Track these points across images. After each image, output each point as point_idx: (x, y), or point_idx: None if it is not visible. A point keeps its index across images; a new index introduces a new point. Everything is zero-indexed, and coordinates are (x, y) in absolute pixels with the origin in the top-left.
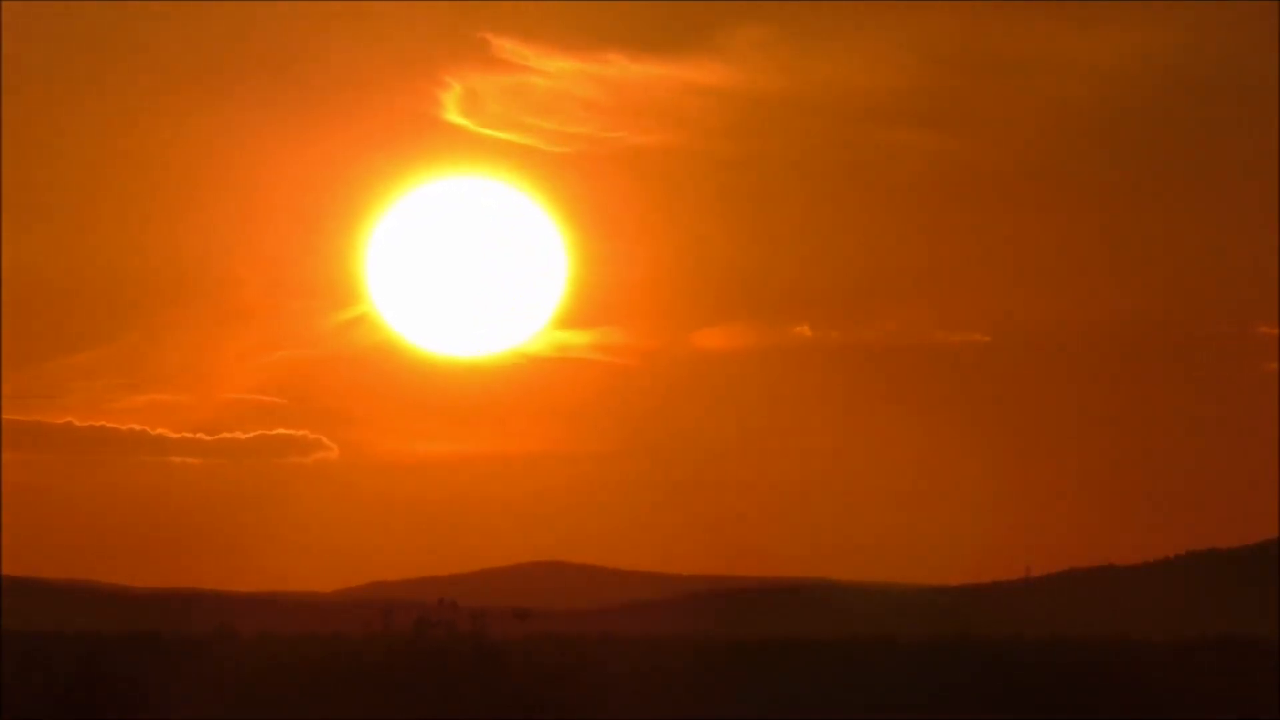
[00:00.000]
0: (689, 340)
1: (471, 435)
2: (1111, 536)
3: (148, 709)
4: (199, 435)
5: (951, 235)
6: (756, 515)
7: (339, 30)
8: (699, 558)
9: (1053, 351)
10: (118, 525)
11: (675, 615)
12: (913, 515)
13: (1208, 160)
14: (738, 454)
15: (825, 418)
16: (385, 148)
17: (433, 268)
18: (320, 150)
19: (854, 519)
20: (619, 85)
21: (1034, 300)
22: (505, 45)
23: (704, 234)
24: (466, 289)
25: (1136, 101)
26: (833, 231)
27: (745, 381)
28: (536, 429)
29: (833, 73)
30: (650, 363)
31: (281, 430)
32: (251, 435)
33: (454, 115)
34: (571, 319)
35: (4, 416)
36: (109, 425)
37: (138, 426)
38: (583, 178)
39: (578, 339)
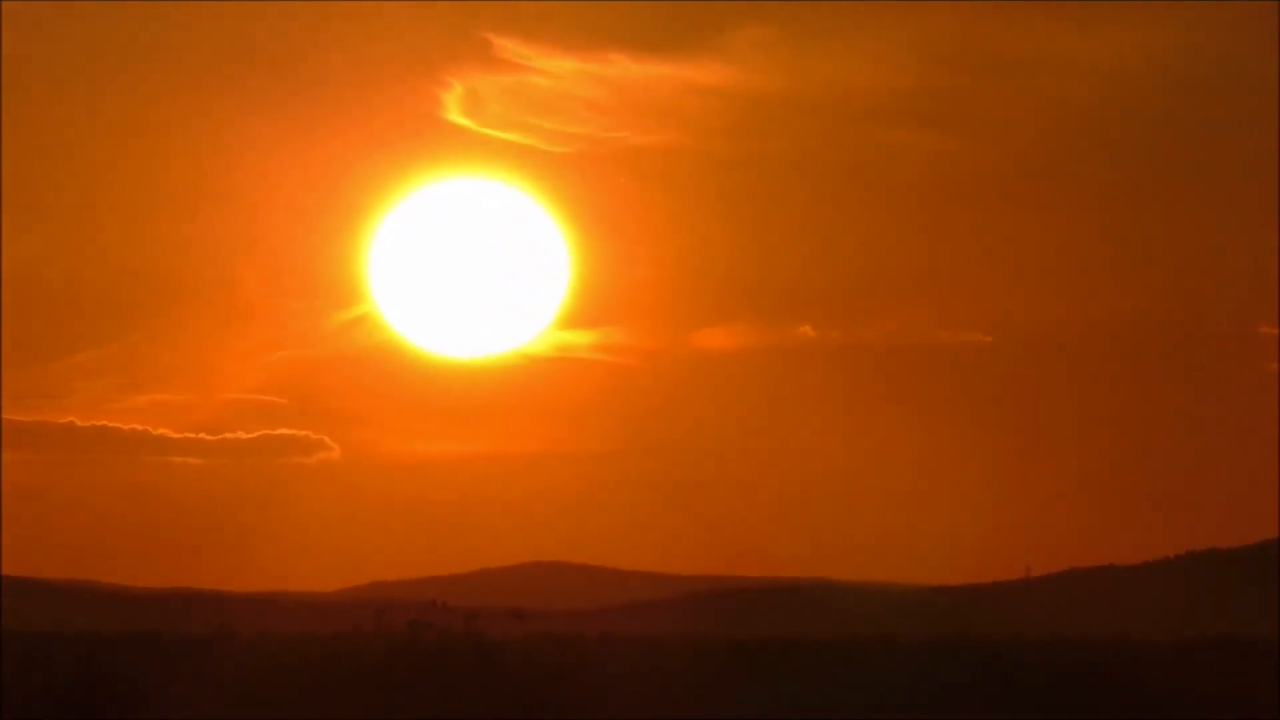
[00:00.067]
0: (690, 340)
1: (473, 435)
2: (1111, 536)
3: (148, 709)
4: (201, 435)
5: (952, 235)
6: (756, 515)
7: (340, 30)
8: (699, 558)
9: (1053, 351)
10: (119, 525)
11: (675, 615)
12: (913, 515)
13: (1208, 160)
14: (738, 454)
15: (826, 418)
16: (387, 148)
17: (434, 268)
18: (322, 150)
19: (854, 519)
20: (620, 85)
21: (1034, 300)
22: (507, 45)
23: (705, 234)
24: (468, 289)
25: (1136, 101)
26: (834, 231)
27: (746, 381)
28: (538, 429)
29: (834, 73)
30: (651, 363)
31: (284, 430)
32: (254, 435)
33: (456, 115)
34: (572, 319)
35: (6, 416)
36: (111, 425)
37: (140, 426)
38: (584, 178)
39: (579, 339)
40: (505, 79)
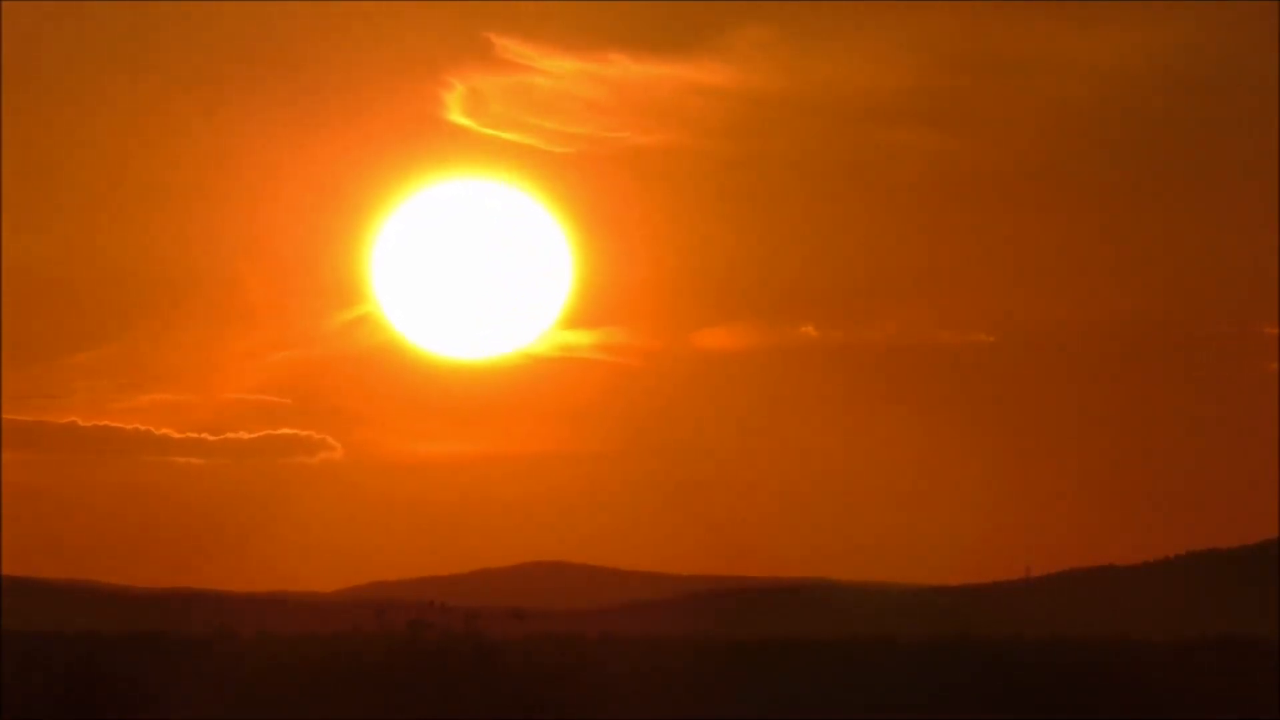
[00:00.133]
0: (692, 340)
1: (474, 435)
2: (1111, 536)
3: (148, 709)
4: (203, 435)
5: (953, 235)
6: (757, 515)
7: (341, 30)
8: (699, 558)
9: (1053, 351)
10: (121, 525)
11: (675, 615)
12: (913, 515)
13: (1208, 160)
14: (740, 454)
15: (827, 418)
16: (388, 148)
17: (435, 268)
18: (323, 150)
19: (854, 519)
20: (621, 85)
21: (1035, 300)
22: (508, 45)
23: (707, 234)
24: (469, 289)
25: (1136, 101)
26: (835, 231)
27: (748, 382)
28: (539, 429)
29: (834, 73)
30: (653, 363)
31: (286, 430)
32: (256, 435)
33: (457, 115)
34: (574, 319)
35: (8, 416)
36: (113, 425)
37: (142, 426)
38: (584, 178)
39: (580, 339)
40: (506, 79)
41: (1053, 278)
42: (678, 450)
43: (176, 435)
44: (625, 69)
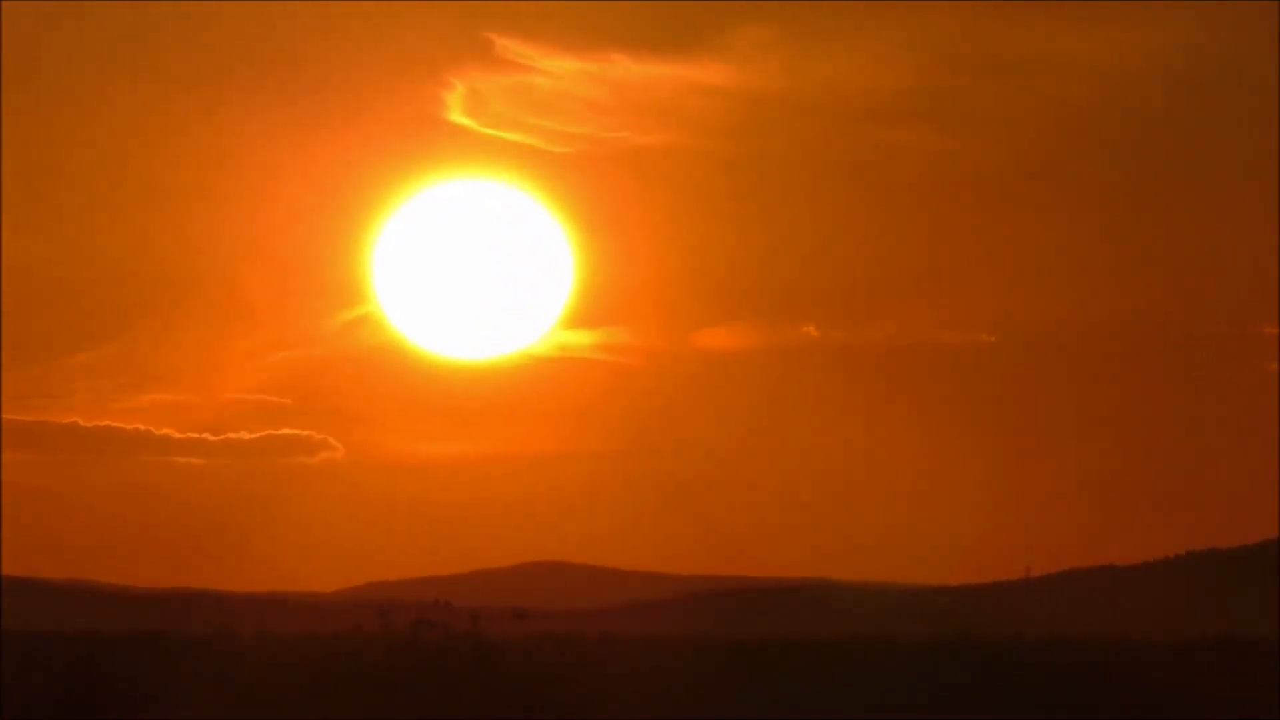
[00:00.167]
0: (692, 340)
1: (474, 436)
2: (1111, 536)
3: (148, 709)
4: (204, 435)
5: (953, 235)
6: (757, 515)
7: (342, 30)
8: (699, 558)
9: (1053, 351)
10: (122, 525)
11: (675, 615)
12: (913, 515)
13: (1208, 160)
14: (740, 454)
15: (827, 418)
16: (389, 148)
17: (436, 268)
18: (324, 150)
19: (854, 519)
20: (621, 85)
21: (1034, 300)
22: (508, 45)
23: (707, 234)
24: (470, 289)
25: (1136, 101)
26: (836, 231)
27: (749, 382)
28: (539, 429)
29: (835, 73)
30: (654, 363)
31: (287, 430)
32: (257, 435)
33: (457, 115)
34: (574, 319)
35: (9, 416)
36: (114, 425)
37: (143, 426)
38: (585, 178)
39: (581, 339)
40: (507, 79)
41: (1053, 278)
42: (678, 450)
43: (177, 435)
44: (625, 69)
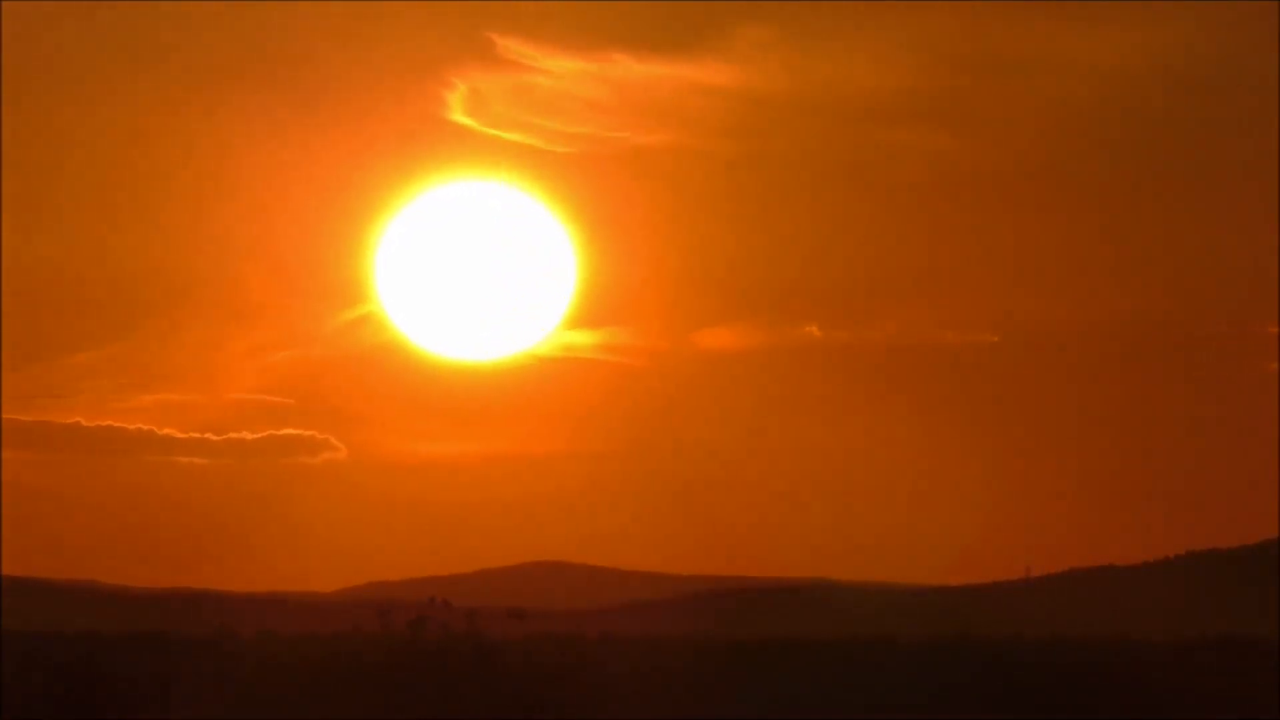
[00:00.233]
0: (694, 340)
1: (475, 436)
2: (1111, 536)
3: (148, 709)
4: (206, 435)
5: (954, 235)
6: (757, 515)
7: (343, 30)
8: (699, 558)
9: (1053, 351)
10: (124, 525)
11: (675, 615)
12: (913, 515)
13: (1208, 160)
14: (741, 454)
15: (828, 418)
16: (390, 147)
17: (437, 268)
18: (325, 149)
19: (854, 519)
20: (623, 85)
21: (1035, 300)
22: (510, 45)
23: (709, 233)
24: (471, 289)
25: (1136, 101)
26: (838, 231)
27: (750, 382)
28: (541, 430)
29: (835, 72)
30: (656, 363)
31: (290, 430)
32: (259, 435)
33: (459, 115)
34: (576, 319)
35: (11, 416)
36: (116, 425)
37: (145, 426)
38: (586, 178)
39: (583, 339)
40: (508, 79)
41: (1053, 277)
42: (680, 450)
43: (180, 435)
44: (627, 69)
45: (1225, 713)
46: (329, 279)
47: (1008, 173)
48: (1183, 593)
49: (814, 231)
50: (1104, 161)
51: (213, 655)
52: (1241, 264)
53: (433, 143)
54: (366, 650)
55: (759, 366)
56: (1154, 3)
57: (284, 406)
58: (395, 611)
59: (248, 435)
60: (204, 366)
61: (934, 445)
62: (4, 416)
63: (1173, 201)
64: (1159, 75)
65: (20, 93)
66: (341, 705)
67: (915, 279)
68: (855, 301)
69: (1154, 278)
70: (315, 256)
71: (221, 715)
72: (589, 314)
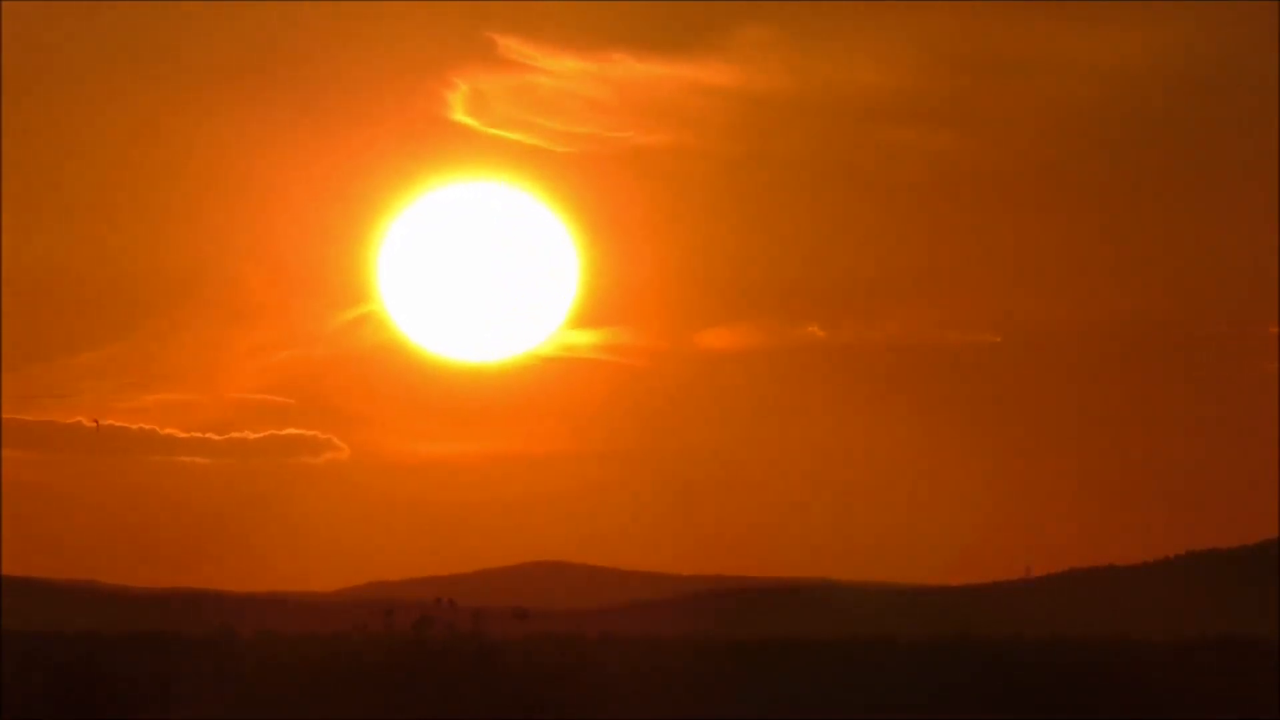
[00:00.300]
0: (696, 340)
1: (478, 436)
2: (1111, 536)
3: (148, 709)
4: (208, 435)
5: (955, 235)
6: (757, 515)
7: (345, 31)
8: (699, 558)
9: (1053, 352)
10: (125, 525)
11: (675, 615)
12: (913, 515)
13: (1208, 160)
14: (743, 454)
15: (829, 418)
16: (392, 147)
17: (438, 267)
18: (327, 149)
19: (854, 519)
20: (624, 85)
21: (1036, 300)
22: (511, 45)
23: (710, 233)
24: (473, 290)
25: (1136, 101)
26: (839, 231)
27: (752, 382)
28: (543, 430)
29: (836, 72)
30: (657, 363)
31: (291, 430)
32: (261, 435)
33: (461, 115)
34: (578, 320)
35: (13, 416)
36: (118, 425)
37: (147, 426)
38: (587, 178)
39: (584, 339)
40: (510, 79)
41: (1054, 277)
42: (681, 450)
43: (182, 435)
44: (628, 69)
45: (1225, 713)
46: (330, 279)
47: (1008, 173)
48: (1183, 593)
49: (815, 231)
50: (1104, 161)
51: (213, 655)
52: (1241, 264)
53: (434, 143)
54: (367, 650)
55: (760, 367)
56: (1154, 3)
57: (286, 406)
58: (397, 611)
59: (249, 435)
60: (206, 366)
61: (935, 445)
62: (4, 416)
63: (1173, 201)
64: (1159, 75)
65: (20, 93)
66: (342, 705)
67: (917, 279)
68: (857, 302)
69: (1154, 278)
70: (317, 256)
71: (222, 715)
72: (590, 314)
